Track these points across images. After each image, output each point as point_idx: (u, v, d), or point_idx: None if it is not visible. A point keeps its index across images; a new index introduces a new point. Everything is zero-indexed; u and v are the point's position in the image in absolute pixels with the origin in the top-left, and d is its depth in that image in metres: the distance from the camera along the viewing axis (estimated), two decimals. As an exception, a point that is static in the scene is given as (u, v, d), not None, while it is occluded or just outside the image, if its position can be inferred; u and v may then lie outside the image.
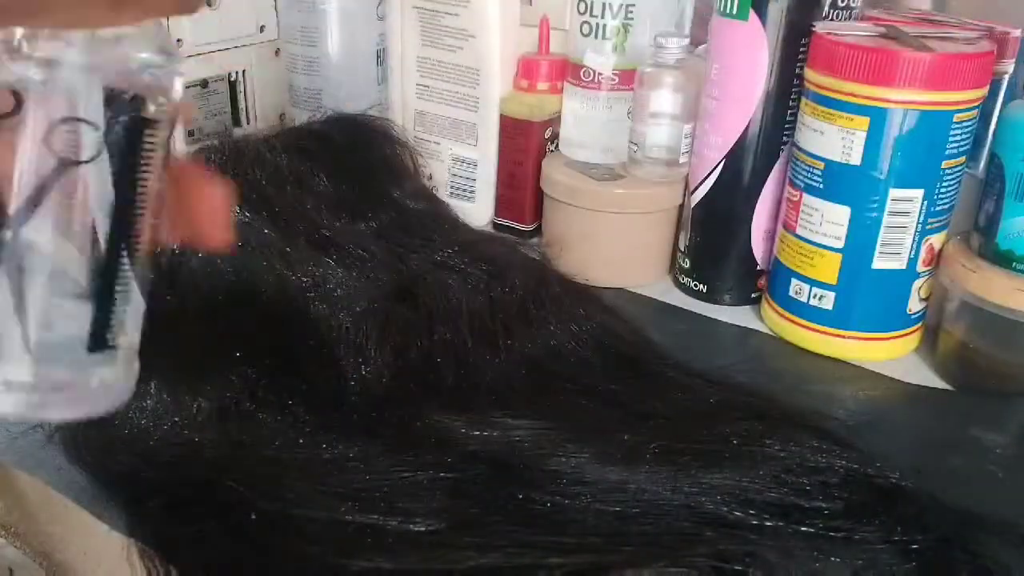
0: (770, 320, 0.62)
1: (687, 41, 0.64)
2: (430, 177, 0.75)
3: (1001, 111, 0.56)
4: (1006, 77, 0.58)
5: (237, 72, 0.80)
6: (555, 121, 0.71)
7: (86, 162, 0.25)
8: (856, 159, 0.54)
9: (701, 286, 0.66)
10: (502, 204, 0.74)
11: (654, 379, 0.51)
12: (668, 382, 0.51)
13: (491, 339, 0.51)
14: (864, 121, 0.53)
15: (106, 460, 0.43)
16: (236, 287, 0.50)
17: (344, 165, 0.60)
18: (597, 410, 0.47)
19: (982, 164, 0.57)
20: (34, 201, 0.25)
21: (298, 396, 0.46)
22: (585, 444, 0.44)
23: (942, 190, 0.54)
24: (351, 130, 0.63)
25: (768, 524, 0.40)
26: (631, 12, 0.65)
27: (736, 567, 0.37)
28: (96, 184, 0.26)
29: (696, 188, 0.64)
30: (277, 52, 0.82)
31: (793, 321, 0.59)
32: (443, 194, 0.74)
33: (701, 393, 0.50)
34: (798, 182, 0.57)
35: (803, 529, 0.40)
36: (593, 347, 0.53)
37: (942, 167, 0.54)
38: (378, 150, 0.63)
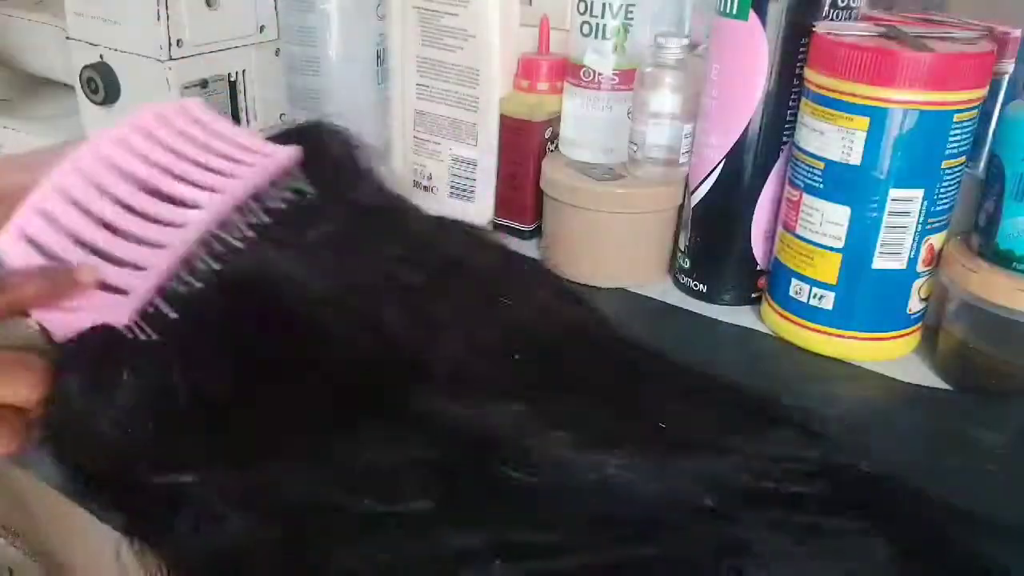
0: (770, 320, 0.62)
1: (687, 41, 0.64)
2: (429, 178, 0.75)
3: (1001, 111, 0.56)
4: (1006, 77, 0.58)
5: (237, 72, 0.80)
6: (555, 121, 0.71)
7: None
8: (856, 159, 0.54)
9: (701, 286, 0.66)
10: (502, 204, 0.74)
11: (648, 377, 0.51)
12: (663, 380, 0.51)
13: (471, 328, 0.51)
14: (864, 121, 0.53)
15: (89, 458, 0.43)
16: (215, 284, 0.50)
17: (307, 173, 0.60)
18: (585, 403, 0.47)
19: (982, 164, 0.58)
20: None
21: (281, 387, 0.46)
22: (569, 431, 0.44)
23: (942, 190, 0.54)
24: (308, 138, 0.63)
25: (761, 522, 0.40)
26: (631, 12, 0.65)
27: (731, 566, 0.37)
28: None
29: (696, 188, 0.64)
30: (277, 52, 0.82)
31: (793, 321, 0.59)
32: (443, 194, 0.74)
33: (697, 392, 0.50)
34: (798, 182, 0.57)
35: (796, 528, 0.40)
36: (578, 341, 0.53)
37: (942, 167, 0.54)
38: (334, 155, 0.63)
